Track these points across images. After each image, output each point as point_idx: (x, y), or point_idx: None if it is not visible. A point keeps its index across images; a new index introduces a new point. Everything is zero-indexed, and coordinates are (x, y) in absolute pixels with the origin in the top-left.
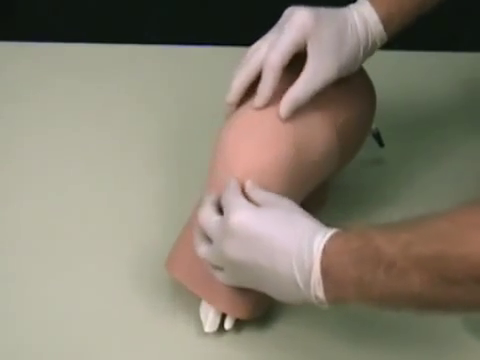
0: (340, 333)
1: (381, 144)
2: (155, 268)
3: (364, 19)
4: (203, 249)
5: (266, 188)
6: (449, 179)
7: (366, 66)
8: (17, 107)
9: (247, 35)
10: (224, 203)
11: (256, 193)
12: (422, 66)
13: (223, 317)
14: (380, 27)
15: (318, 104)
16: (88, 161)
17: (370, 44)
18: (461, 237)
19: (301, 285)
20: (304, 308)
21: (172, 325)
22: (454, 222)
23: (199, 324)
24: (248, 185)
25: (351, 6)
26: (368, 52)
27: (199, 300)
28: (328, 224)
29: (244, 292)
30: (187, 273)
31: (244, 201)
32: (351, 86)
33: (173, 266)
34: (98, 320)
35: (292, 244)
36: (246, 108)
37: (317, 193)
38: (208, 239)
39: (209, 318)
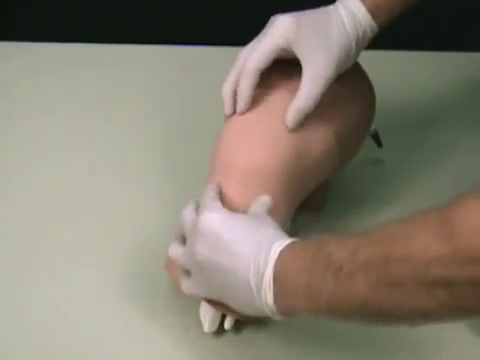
0: (340, 334)
1: (379, 145)
2: (154, 268)
3: (351, 12)
4: (175, 249)
5: (265, 188)
6: (449, 179)
7: (365, 66)
8: (17, 107)
9: (247, 35)
10: (201, 204)
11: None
12: (422, 66)
13: (223, 318)
14: (368, 17)
15: (317, 106)
16: (88, 161)
17: (361, 35)
18: (407, 239)
19: (254, 290)
20: None
21: (171, 325)
22: (403, 226)
23: (198, 324)
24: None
25: (337, 2)
26: (360, 43)
27: (198, 301)
28: (329, 224)
29: None
30: None
31: (218, 204)
32: (350, 88)
33: (172, 266)
34: (96, 320)
35: (252, 248)
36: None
37: (317, 194)
38: (184, 239)
39: (209, 318)
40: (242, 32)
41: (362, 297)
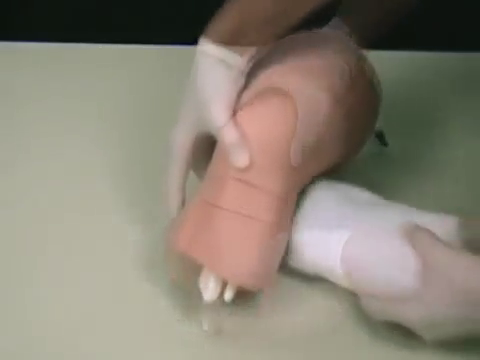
0: (340, 334)
1: (385, 144)
2: (154, 268)
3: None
4: None
5: (272, 160)
6: (449, 179)
7: None
8: (16, 107)
9: None
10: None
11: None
12: (422, 66)
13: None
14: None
15: (325, 85)
16: (88, 161)
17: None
18: None
19: None
20: (304, 309)
21: (171, 325)
22: None
23: (197, 324)
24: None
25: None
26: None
27: (197, 299)
28: None
29: (249, 261)
30: (189, 243)
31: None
32: (358, 75)
33: (174, 239)
34: (95, 319)
35: None
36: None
37: None
38: None
39: (209, 286)
40: None
41: None
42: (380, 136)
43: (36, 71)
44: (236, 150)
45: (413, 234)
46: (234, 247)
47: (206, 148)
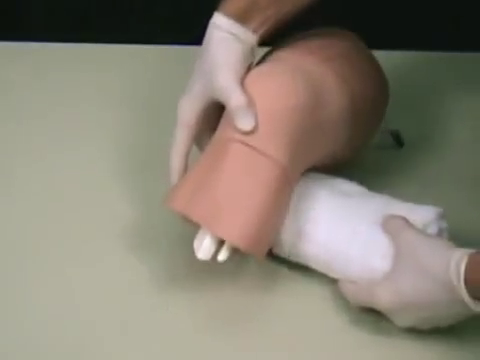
0: (341, 335)
1: (401, 144)
2: (155, 267)
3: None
4: None
5: (277, 129)
6: (448, 179)
7: None
8: (16, 107)
9: None
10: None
11: None
12: (422, 66)
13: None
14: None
15: (334, 66)
16: (88, 160)
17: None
18: None
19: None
20: (304, 310)
21: (171, 325)
22: None
23: (197, 323)
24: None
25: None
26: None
27: (196, 296)
28: None
29: (245, 222)
30: (186, 203)
31: None
32: (367, 65)
33: (173, 199)
34: (94, 317)
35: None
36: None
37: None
38: None
39: (204, 244)
40: None
41: None
42: (396, 136)
43: (36, 71)
44: (242, 113)
45: (387, 220)
46: (233, 207)
47: (211, 121)
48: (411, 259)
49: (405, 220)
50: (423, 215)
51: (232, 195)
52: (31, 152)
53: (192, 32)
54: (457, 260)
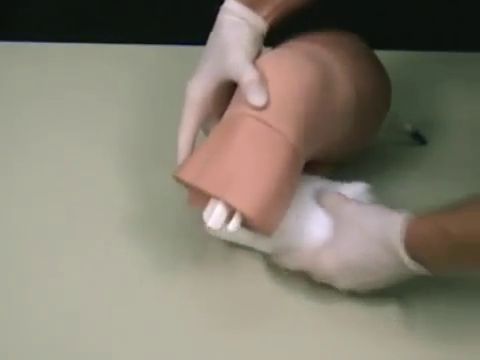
0: (340, 335)
1: (423, 142)
2: (155, 267)
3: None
4: None
5: (288, 106)
6: (448, 179)
7: None
8: (16, 107)
9: None
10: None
11: None
12: (422, 66)
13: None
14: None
15: (340, 58)
16: (88, 160)
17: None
18: None
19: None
20: (304, 311)
21: (171, 325)
22: None
23: (196, 321)
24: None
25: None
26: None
27: (196, 293)
28: None
29: (255, 194)
30: (197, 174)
31: None
32: (370, 62)
33: (183, 171)
34: (93, 315)
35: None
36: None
37: (325, 166)
38: None
39: (215, 212)
40: None
41: None
42: (416, 136)
43: (36, 71)
44: (254, 89)
45: (323, 197)
46: (244, 179)
47: (219, 105)
48: (352, 225)
49: (341, 194)
50: (353, 190)
51: (243, 167)
52: (31, 152)
53: (192, 32)
54: (396, 222)
